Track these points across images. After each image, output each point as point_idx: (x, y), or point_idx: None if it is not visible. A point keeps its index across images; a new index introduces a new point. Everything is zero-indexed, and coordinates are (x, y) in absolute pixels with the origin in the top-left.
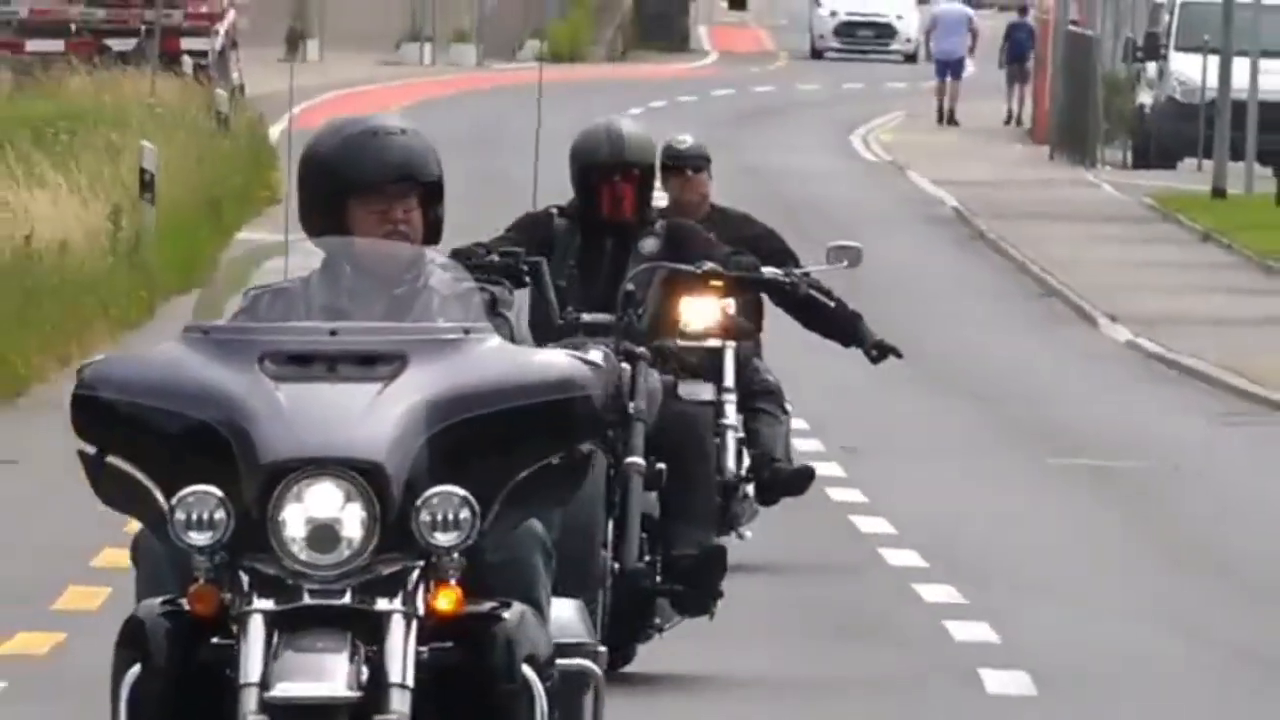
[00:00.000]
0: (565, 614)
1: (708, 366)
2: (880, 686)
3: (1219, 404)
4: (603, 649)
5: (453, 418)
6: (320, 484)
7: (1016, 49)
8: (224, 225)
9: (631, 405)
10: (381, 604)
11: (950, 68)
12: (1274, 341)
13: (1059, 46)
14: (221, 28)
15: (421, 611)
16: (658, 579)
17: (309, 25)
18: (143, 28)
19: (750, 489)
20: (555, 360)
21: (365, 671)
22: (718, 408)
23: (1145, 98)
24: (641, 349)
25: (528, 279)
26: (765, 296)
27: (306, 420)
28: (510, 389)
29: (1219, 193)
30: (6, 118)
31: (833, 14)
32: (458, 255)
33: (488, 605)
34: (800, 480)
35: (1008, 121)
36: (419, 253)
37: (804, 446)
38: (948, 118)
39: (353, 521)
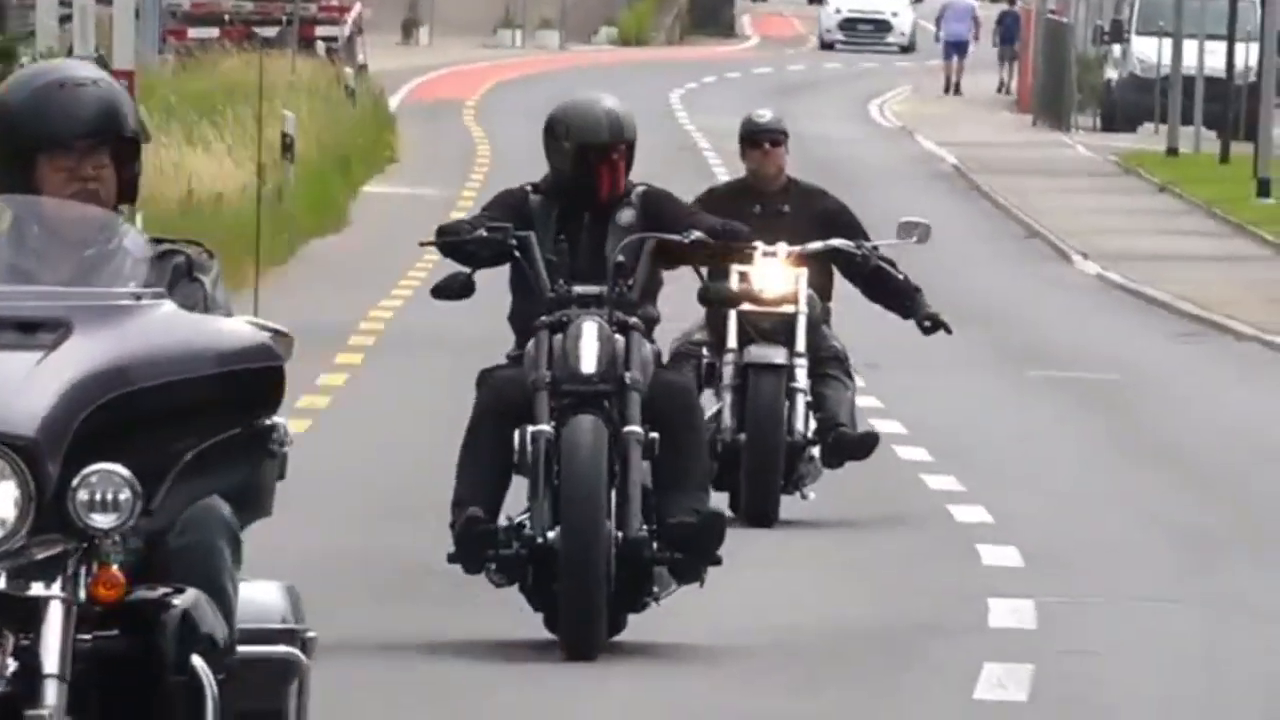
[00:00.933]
0: (266, 598)
1: (780, 332)
2: (892, 560)
3: (1174, 326)
4: (312, 634)
5: (118, 389)
6: None
7: (1007, 33)
8: (352, 180)
9: (628, 375)
10: (36, 589)
11: (957, 49)
12: (1220, 274)
13: (1040, 31)
14: (349, 17)
15: (83, 598)
16: (655, 547)
17: (421, 15)
18: (284, 18)
19: (816, 451)
20: (235, 329)
21: (14, 663)
22: (789, 371)
23: (1111, 73)
24: (634, 319)
25: (517, 253)
26: (835, 267)
27: None
28: (184, 358)
29: (1172, 151)
30: (173, 92)
31: (837, 11)
32: (446, 230)
33: (159, 591)
34: (865, 446)
35: (999, 90)
36: (111, 215)
37: None
38: (954, 89)
39: (5, 501)
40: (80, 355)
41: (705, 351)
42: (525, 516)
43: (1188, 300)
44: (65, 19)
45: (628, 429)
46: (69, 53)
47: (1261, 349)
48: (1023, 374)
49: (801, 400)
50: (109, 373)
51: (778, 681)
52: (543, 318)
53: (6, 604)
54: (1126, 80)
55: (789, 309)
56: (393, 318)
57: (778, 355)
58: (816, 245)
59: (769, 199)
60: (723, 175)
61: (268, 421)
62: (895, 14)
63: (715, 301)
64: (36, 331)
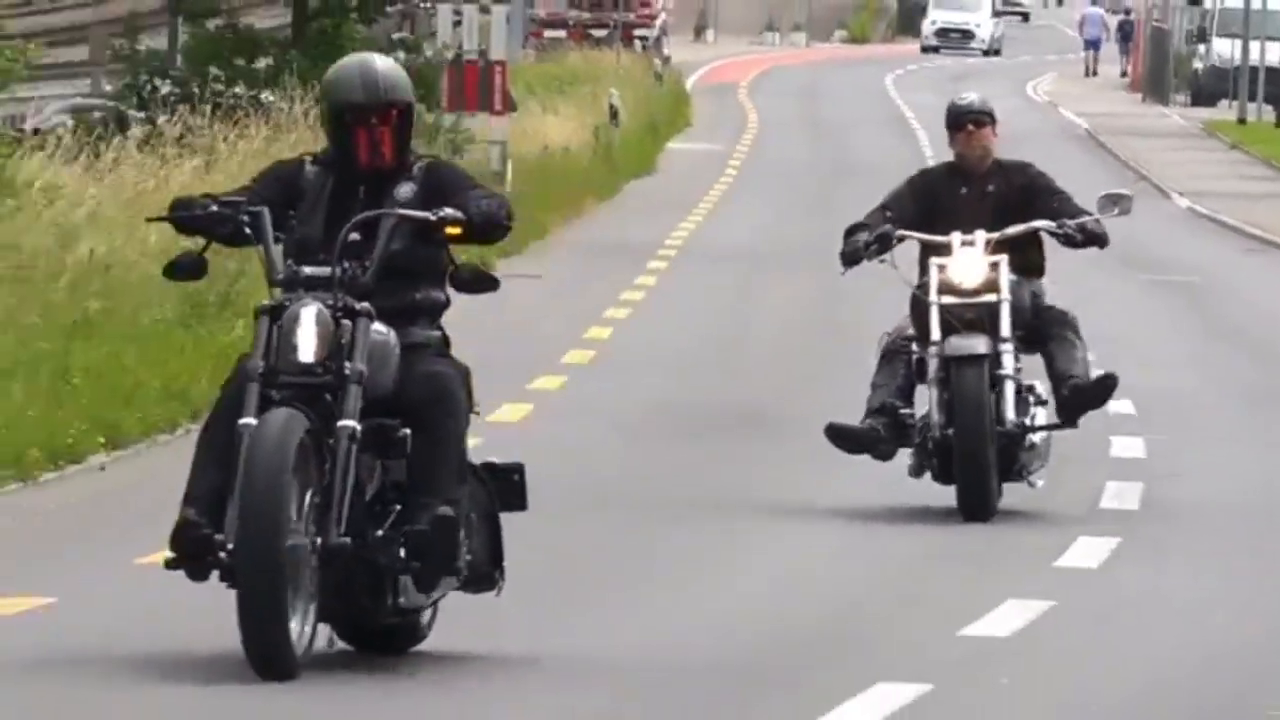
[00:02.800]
0: None
1: (984, 321)
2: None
3: (1243, 244)
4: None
5: None
6: None
7: (1125, 35)
8: (659, 139)
9: (348, 366)
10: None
11: (1093, 45)
12: (1276, 208)
13: (1148, 34)
14: (657, 22)
15: None
16: (398, 554)
17: (708, 20)
18: (611, 23)
19: (1037, 438)
20: None
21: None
22: (993, 360)
23: (1198, 65)
24: (363, 304)
25: (248, 229)
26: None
27: None
28: None
29: (1241, 121)
30: (533, 76)
31: (933, 23)
32: (179, 204)
33: None
34: (1103, 390)
35: (1121, 76)
36: None
37: None
38: (1092, 74)
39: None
40: None
41: (914, 347)
42: None
43: (1254, 225)
44: (457, 23)
45: (340, 424)
46: (459, 48)
47: None
48: (1136, 277)
49: (1010, 388)
50: None
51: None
52: (264, 302)
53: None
54: (1209, 70)
55: (990, 297)
56: (688, 236)
57: (980, 345)
58: (1016, 229)
59: (976, 180)
60: (922, 136)
61: None
62: (979, 25)
63: (461, 285)
64: None
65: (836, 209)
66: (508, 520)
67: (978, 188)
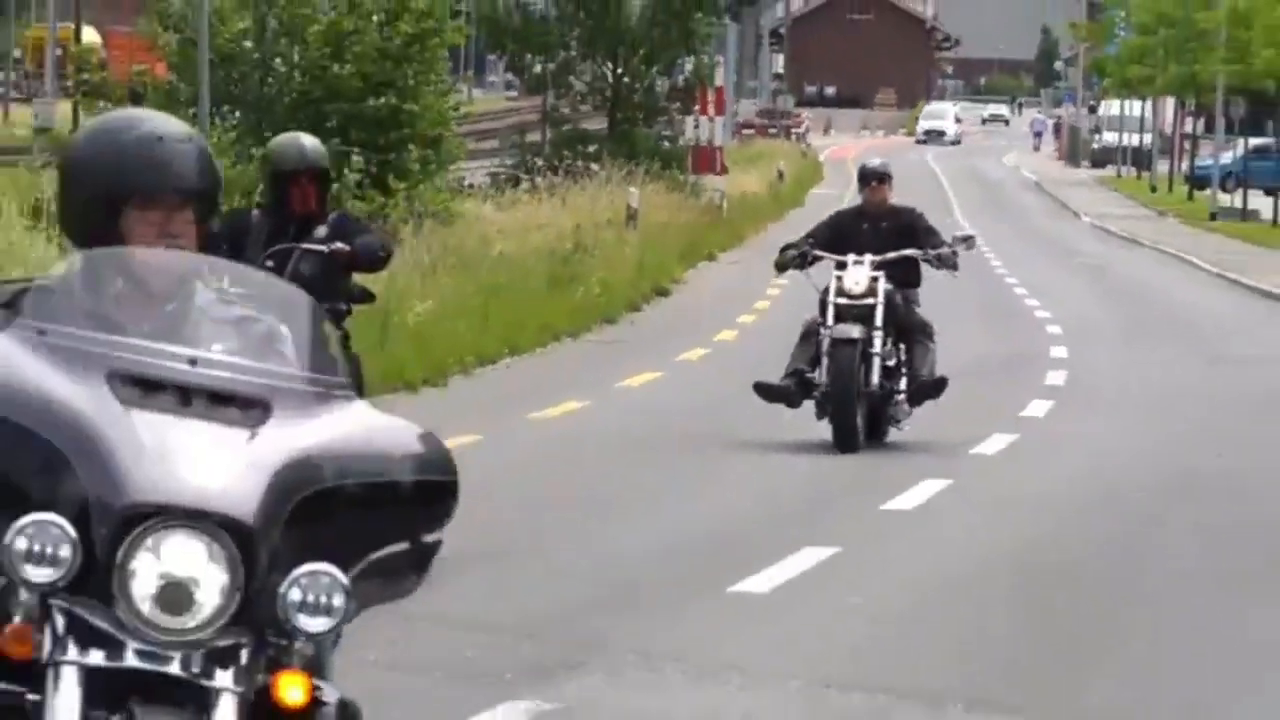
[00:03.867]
0: None
1: (861, 315)
2: (1003, 334)
3: (1120, 242)
4: None
5: (315, 486)
6: (181, 537)
7: (1056, 129)
8: (804, 188)
9: None
10: (218, 679)
11: (1038, 135)
12: (1142, 222)
13: (1067, 129)
14: (803, 126)
15: (252, 695)
16: None
17: (831, 124)
18: (778, 126)
19: (903, 396)
20: (425, 437)
21: None
22: (868, 342)
23: (1095, 144)
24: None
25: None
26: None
27: (171, 460)
28: (376, 461)
29: (1119, 175)
30: (738, 154)
31: (921, 127)
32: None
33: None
34: (937, 388)
35: (1054, 151)
36: (193, 266)
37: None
38: (1036, 150)
39: (211, 585)
40: (286, 440)
41: (820, 330)
42: None
43: (1125, 232)
44: (696, 125)
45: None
46: (698, 138)
47: (1159, 254)
48: (1067, 261)
49: (877, 362)
50: (308, 466)
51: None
52: None
53: (181, 689)
54: (1101, 148)
55: (869, 300)
56: None
57: (854, 332)
58: (893, 255)
59: (874, 219)
60: (944, 181)
61: (434, 538)
62: (947, 128)
63: (351, 298)
64: (231, 405)
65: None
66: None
67: (874, 224)
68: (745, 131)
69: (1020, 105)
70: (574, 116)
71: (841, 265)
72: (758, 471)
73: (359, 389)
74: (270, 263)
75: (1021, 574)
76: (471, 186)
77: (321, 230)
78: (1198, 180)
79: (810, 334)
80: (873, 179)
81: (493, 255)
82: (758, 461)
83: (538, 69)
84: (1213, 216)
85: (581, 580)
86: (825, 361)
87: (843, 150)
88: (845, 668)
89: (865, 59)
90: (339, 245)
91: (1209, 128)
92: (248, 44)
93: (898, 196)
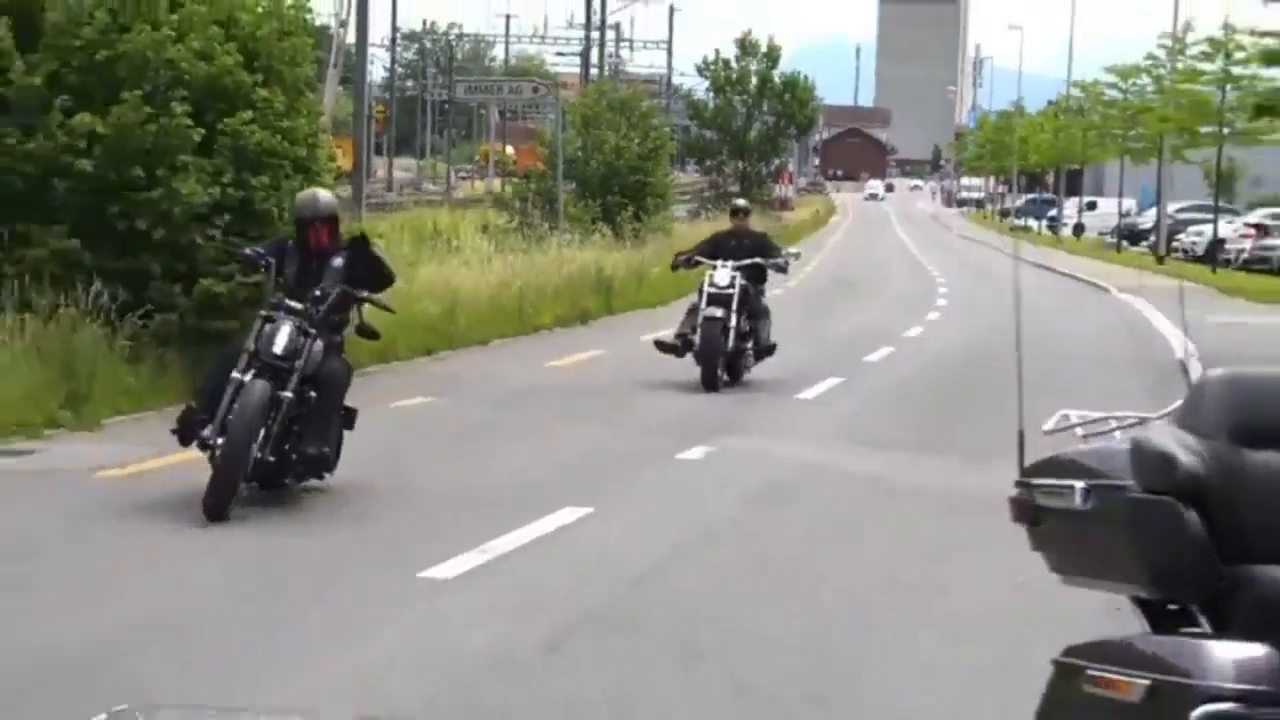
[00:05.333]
0: None
1: (724, 301)
2: (909, 280)
3: (975, 243)
4: None
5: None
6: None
7: (946, 191)
8: (827, 218)
9: (298, 362)
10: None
11: (934, 192)
12: (981, 231)
13: (946, 188)
14: (829, 187)
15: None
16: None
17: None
18: (820, 185)
19: (750, 356)
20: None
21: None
22: (725, 319)
23: (961, 196)
24: (314, 330)
25: (264, 269)
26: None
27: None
28: None
29: (979, 207)
30: (800, 201)
31: (866, 191)
32: (234, 246)
33: None
34: (770, 351)
35: (944, 202)
36: None
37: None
38: (933, 200)
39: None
40: None
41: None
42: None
43: (971, 237)
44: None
45: (284, 394)
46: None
47: (987, 247)
48: (945, 249)
49: (733, 333)
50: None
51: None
52: (262, 312)
53: None
54: (959, 199)
55: (730, 290)
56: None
57: (718, 312)
58: (746, 261)
59: (739, 238)
60: (894, 217)
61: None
62: (880, 192)
63: (364, 335)
64: None
65: (875, 238)
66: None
67: (739, 241)
68: (801, 192)
69: (927, 180)
70: (725, 185)
71: (713, 267)
72: (659, 397)
73: (347, 383)
74: (318, 291)
75: (904, 392)
76: (677, 218)
77: (338, 260)
78: (1005, 213)
79: (693, 311)
80: (740, 212)
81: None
82: (658, 391)
83: (708, 163)
84: (1012, 229)
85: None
86: (699, 330)
87: (845, 199)
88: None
89: (854, 159)
90: (366, 295)
91: (1010, 189)
92: (580, 153)
93: (877, 224)
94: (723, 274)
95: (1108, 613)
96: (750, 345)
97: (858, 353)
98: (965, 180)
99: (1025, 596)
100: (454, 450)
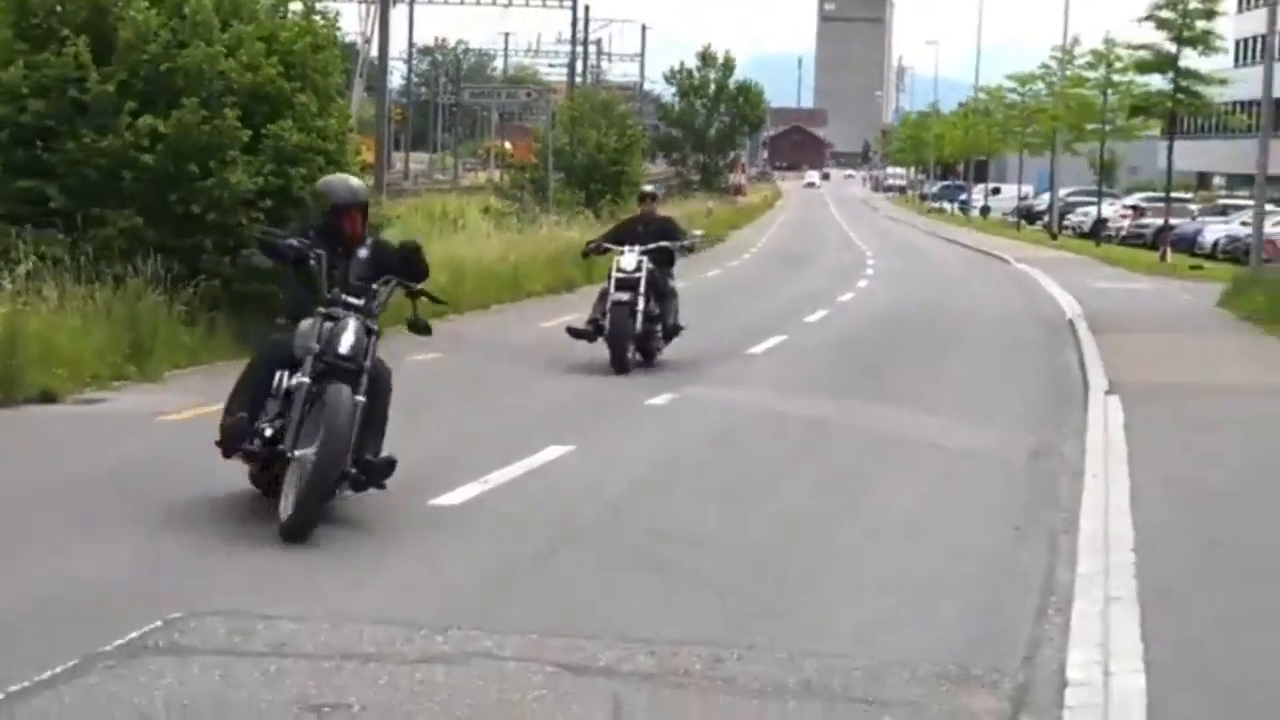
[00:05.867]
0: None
1: (630, 286)
2: (840, 254)
3: (895, 221)
4: None
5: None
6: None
7: (875, 178)
8: (775, 201)
9: (366, 362)
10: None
11: (865, 180)
12: (901, 209)
13: (874, 177)
14: (775, 175)
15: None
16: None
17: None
18: (770, 174)
19: (660, 335)
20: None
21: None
22: (633, 303)
23: (888, 184)
24: (375, 327)
25: (313, 262)
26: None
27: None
28: None
29: (901, 192)
30: (752, 188)
31: (805, 180)
32: (268, 233)
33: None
34: (677, 331)
35: (873, 187)
36: None
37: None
38: (864, 185)
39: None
40: None
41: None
42: (270, 429)
43: (894, 217)
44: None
45: (358, 397)
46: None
47: (909, 225)
48: (872, 226)
49: (639, 315)
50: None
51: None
52: (320, 309)
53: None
54: (887, 185)
55: (637, 275)
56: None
57: (625, 296)
58: (651, 246)
59: (647, 224)
60: (830, 200)
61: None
62: (816, 180)
63: (417, 330)
64: None
65: (813, 218)
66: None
67: (646, 227)
68: (753, 180)
69: (858, 170)
70: (688, 174)
71: (620, 253)
72: (567, 379)
73: (390, 386)
74: (375, 286)
75: (839, 348)
76: None
77: (364, 251)
78: (923, 197)
79: (603, 296)
80: (647, 198)
81: None
82: (569, 373)
83: (674, 156)
84: (928, 210)
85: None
86: (609, 315)
87: (789, 187)
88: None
89: (797, 153)
90: (420, 288)
91: (928, 177)
92: (568, 148)
93: (815, 207)
94: (629, 259)
95: (1005, 530)
96: (659, 327)
97: (799, 314)
98: (890, 170)
99: (940, 516)
100: (460, 397)
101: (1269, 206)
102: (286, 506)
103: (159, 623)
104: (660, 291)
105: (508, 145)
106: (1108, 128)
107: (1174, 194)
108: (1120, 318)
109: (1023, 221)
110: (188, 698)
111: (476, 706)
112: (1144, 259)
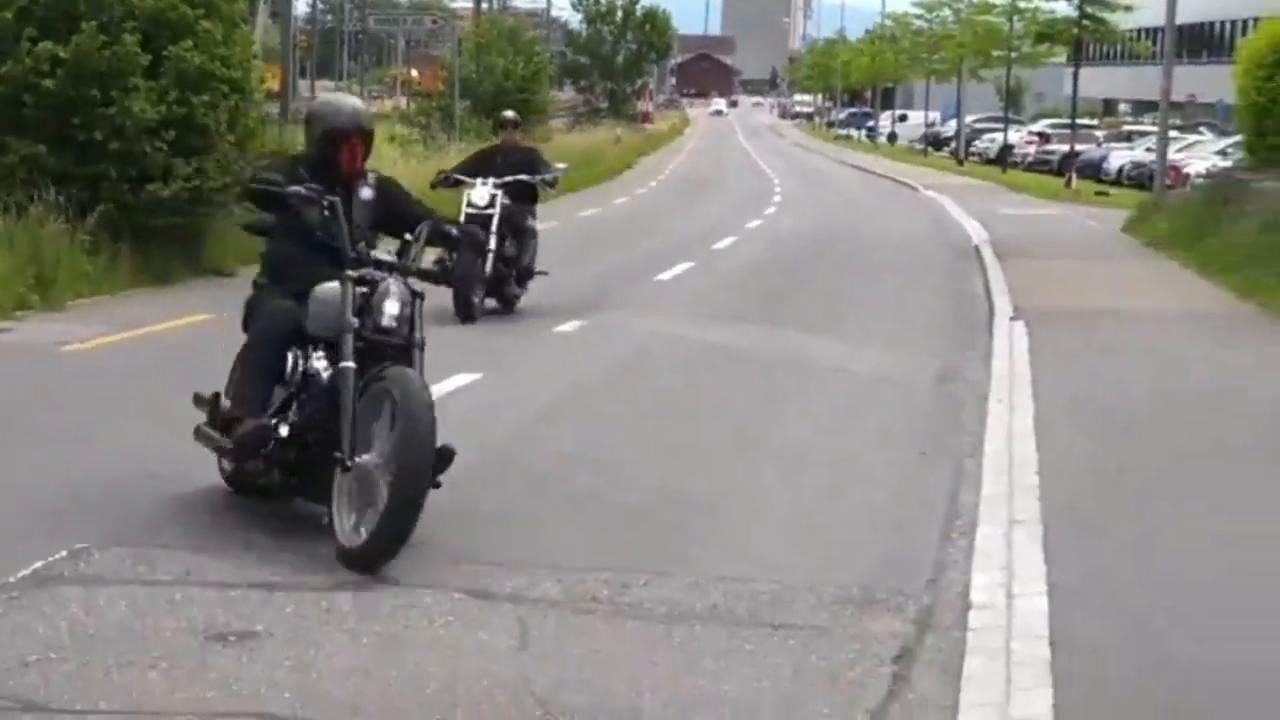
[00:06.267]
0: None
1: (482, 221)
2: (748, 181)
3: (804, 150)
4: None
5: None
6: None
7: (782, 106)
8: (684, 128)
9: (417, 335)
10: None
11: (773, 108)
12: (806, 137)
13: (781, 104)
14: (683, 103)
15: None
16: None
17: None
18: (678, 101)
19: (514, 277)
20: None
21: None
22: (485, 241)
23: (795, 110)
24: (420, 290)
25: (327, 213)
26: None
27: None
28: None
29: (809, 119)
30: (661, 115)
31: (712, 106)
32: (265, 182)
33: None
34: (531, 274)
35: (780, 114)
36: None
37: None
38: (772, 113)
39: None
40: None
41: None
42: (285, 426)
43: (802, 146)
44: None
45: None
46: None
47: (818, 154)
48: (780, 153)
49: (490, 256)
50: None
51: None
52: (349, 272)
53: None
54: (795, 113)
55: (489, 210)
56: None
57: (479, 234)
58: (509, 179)
59: (506, 154)
60: (738, 125)
61: None
62: (723, 107)
63: (436, 280)
64: None
65: (721, 145)
66: None
67: (505, 158)
68: (660, 108)
69: (766, 97)
70: (596, 102)
71: (473, 185)
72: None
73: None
74: (409, 236)
75: (746, 274)
76: (556, 129)
77: (366, 191)
78: (832, 124)
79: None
80: (508, 125)
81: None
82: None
83: (582, 83)
84: (835, 137)
85: None
86: (456, 255)
87: (696, 114)
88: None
89: (705, 80)
90: (471, 231)
91: (835, 104)
92: (474, 75)
93: (724, 134)
94: (481, 193)
95: (911, 454)
96: (515, 271)
97: (707, 241)
98: (798, 97)
99: (847, 440)
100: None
101: (1172, 133)
102: (350, 527)
103: (64, 553)
104: (518, 230)
105: (414, 73)
106: (1014, 54)
107: (1080, 121)
108: (1026, 244)
109: (930, 148)
110: (94, 628)
111: (383, 634)
112: (1050, 185)
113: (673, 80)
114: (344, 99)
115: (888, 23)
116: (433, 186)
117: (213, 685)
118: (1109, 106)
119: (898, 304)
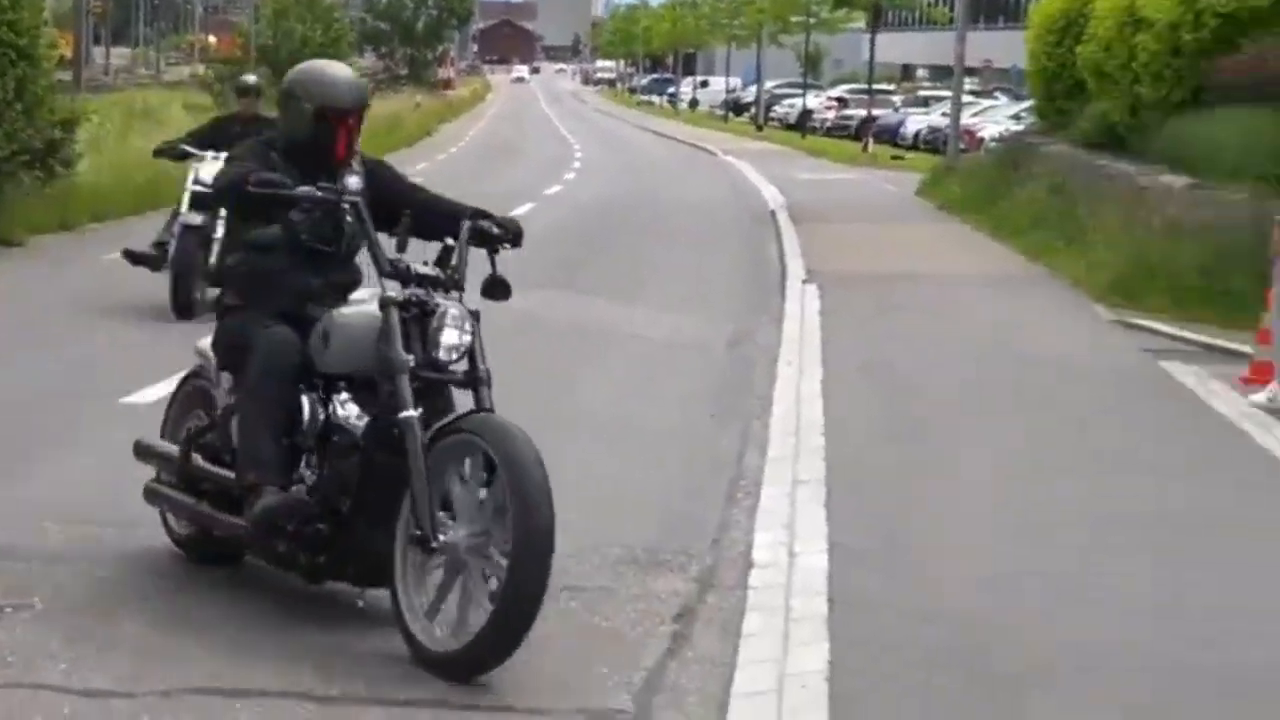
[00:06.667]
0: None
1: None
2: (545, 147)
3: (603, 114)
4: None
5: None
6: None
7: (585, 75)
8: (485, 94)
9: (482, 367)
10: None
11: (574, 75)
12: (645, 116)
13: (585, 72)
14: (485, 69)
15: None
16: None
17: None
18: (481, 68)
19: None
20: None
21: None
22: (210, 224)
23: (618, 87)
24: (476, 309)
25: (349, 217)
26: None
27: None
28: None
29: (635, 93)
30: (462, 84)
31: (597, 70)
32: (267, 183)
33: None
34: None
35: (584, 81)
36: None
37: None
38: (580, 82)
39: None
40: None
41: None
42: (313, 499)
43: (606, 111)
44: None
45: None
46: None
47: (620, 120)
48: (582, 119)
49: (217, 246)
50: None
51: None
52: (389, 294)
53: None
54: (598, 79)
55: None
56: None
57: (197, 219)
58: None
59: (245, 124)
60: (542, 96)
61: None
62: (525, 75)
63: (493, 292)
64: None
65: (523, 111)
66: None
67: (244, 128)
68: (462, 74)
69: (569, 64)
70: (397, 69)
71: (202, 159)
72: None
73: None
74: (450, 241)
75: (545, 241)
76: None
77: (354, 180)
78: (634, 90)
79: (175, 214)
80: (250, 91)
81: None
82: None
83: (382, 50)
84: (638, 103)
85: None
86: (176, 240)
87: (498, 81)
88: None
89: (508, 46)
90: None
91: (637, 69)
92: (272, 41)
93: (525, 101)
94: (209, 168)
95: (702, 417)
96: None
97: (505, 208)
98: (601, 63)
99: (639, 405)
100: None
101: (968, 98)
102: (432, 622)
103: None
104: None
105: (212, 39)
106: (813, 20)
107: (877, 86)
108: (821, 208)
109: (730, 114)
110: None
111: (165, 607)
112: (847, 150)
113: (474, 47)
114: (335, 67)
115: None
116: (155, 155)
117: None
118: (907, 72)
119: (696, 269)
